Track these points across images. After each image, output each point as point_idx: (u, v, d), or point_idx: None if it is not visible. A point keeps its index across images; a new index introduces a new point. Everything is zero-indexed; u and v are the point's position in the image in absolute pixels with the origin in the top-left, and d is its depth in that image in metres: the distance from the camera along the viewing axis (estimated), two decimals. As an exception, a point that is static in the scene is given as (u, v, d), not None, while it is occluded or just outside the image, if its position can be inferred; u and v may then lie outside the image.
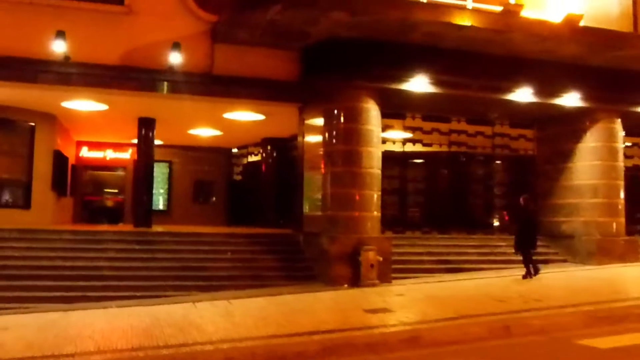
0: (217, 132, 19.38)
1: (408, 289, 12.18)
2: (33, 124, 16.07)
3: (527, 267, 13.07)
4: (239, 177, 23.46)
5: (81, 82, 13.12)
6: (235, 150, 23.46)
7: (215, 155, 23.46)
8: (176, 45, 12.95)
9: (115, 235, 13.78)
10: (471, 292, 11.53)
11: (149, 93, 13.78)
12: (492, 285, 12.44)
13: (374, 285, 12.46)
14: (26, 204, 15.83)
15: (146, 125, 17.00)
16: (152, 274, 12.36)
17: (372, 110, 13.65)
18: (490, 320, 8.58)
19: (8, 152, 15.92)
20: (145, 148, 16.99)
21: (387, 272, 13.18)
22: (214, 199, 23.67)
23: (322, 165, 13.88)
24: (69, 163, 19.65)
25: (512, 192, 17.47)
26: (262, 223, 20.03)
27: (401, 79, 13.79)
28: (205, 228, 17.05)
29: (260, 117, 16.38)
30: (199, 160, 23.40)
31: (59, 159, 17.15)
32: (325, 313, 9.88)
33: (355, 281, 12.62)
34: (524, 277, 12.98)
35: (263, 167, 20.81)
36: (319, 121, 14.20)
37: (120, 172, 22.99)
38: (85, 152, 22.22)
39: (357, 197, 13.33)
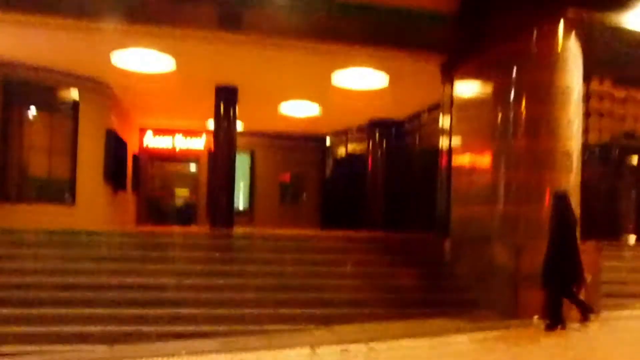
0: (314, 109, 15.03)
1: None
2: (76, 91, 12.21)
3: (550, 311, 7.47)
4: (335, 170, 19.03)
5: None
6: (331, 138, 19.07)
7: (306, 143, 19.17)
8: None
9: (186, 240, 9.59)
10: None
11: (234, 35, 9.60)
12: None
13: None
14: (69, 199, 11.99)
15: (226, 97, 12.94)
16: (240, 297, 8.12)
17: (573, 59, 8.87)
18: None
19: (43, 129, 12.10)
20: (224, 132, 12.90)
21: (596, 298, 8.42)
22: (304, 196, 19.36)
23: (489, 141, 9.21)
24: (130, 151, 15.81)
25: None
26: (367, 225, 15.62)
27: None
28: (304, 231, 12.72)
29: (380, 81, 11.91)
30: (286, 150, 19.16)
31: (115, 143, 13.26)
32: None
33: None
34: (549, 327, 7.42)
35: (369, 157, 16.32)
36: (482, 77, 9.56)
37: (193, 164, 19.07)
38: (150, 140, 18.44)
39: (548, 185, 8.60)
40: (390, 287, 8.89)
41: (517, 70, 8.83)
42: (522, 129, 8.73)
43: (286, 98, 14.18)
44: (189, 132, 18.52)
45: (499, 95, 9.01)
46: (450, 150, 10.47)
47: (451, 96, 10.62)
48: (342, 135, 18.44)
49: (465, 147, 9.92)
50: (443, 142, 10.88)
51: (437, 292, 8.89)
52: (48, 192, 11.88)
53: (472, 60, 9.82)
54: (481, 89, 9.53)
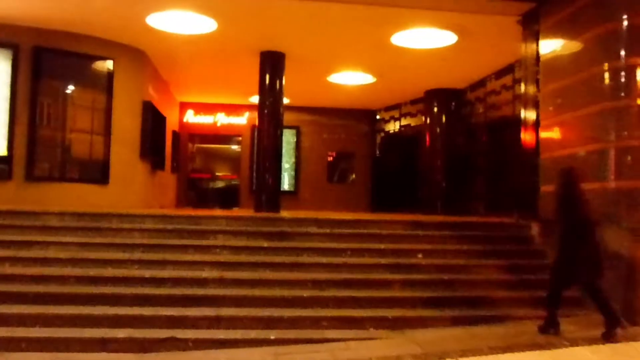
0: (366, 79, 13.54)
1: None
2: (110, 59, 11.04)
3: (550, 313, 6.17)
4: (386, 147, 17.49)
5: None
6: (381, 112, 17.51)
7: (355, 119, 17.69)
8: None
9: (230, 225, 8.28)
10: None
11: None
12: None
13: None
14: (102, 178, 10.85)
15: (272, 65, 11.58)
16: (297, 295, 6.75)
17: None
18: None
19: (73, 100, 10.97)
20: (270, 105, 11.54)
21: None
22: (353, 176, 17.90)
23: (592, 103, 7.52)
24: (169, 127, 14.63)
25: None
26: (425, 207, 14.17)
27: None
28: (364, 215, 11.36)
29: (446, 42, 10.33)
30: (334, 127, 17.71)
31: (152, 116, 12.05)
32: None
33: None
34: (544, 329, 6.18)
35: (426, 132, 14.72)
36: (580, 25, 7.83)
37: (235, 142, 17.83)
38: (190, 117, 17.24)
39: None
40: (471, 282, 7.40)
41: (627, 13, 7.14)
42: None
43: (337, 67, 12.72)
44: (231, 108, 17.27)
45: (605, 46, 7.33)
46: (537, 120, 8.82)
47: (536, 54, 8.95)
48: (394, 109, 16.88)
49: (558, 114, 8.25)
50: (526, 111, 9.24)
51: (528, 288, 7.35)
52: (78, 170, 10.78)
53: (565, 5, 8.12)
54: (579, 41, 7.81)
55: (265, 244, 7.78)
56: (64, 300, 6.34)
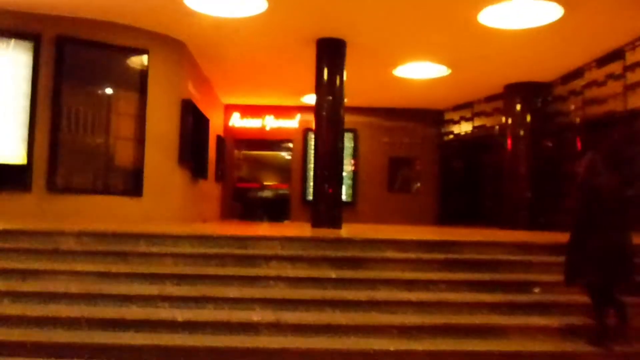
0: (439, 72, 11.67)
1: None
2: (144, 51, 9.53)
3: (598, 317, 5.07)
4: (457, 152, 15.51)
5: None
6: (449, 112, 15.55)
7: (419, 120, 15.79)
8: None
9: (285, 248, 6.51)
10: None
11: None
12: None
13: None
14: (135, 188, 9.32)
15: (331, 55, 9.88)
16: (380, 348, 4.94)
17: None
18: None
19: (103, 99, 9.48)
20: (329, 104, 9.78)
21: None
22: (417, 185, 15.97)
23: None
24: (212, 130, 13.08)
25: None
26: (506, 223, 12.19)
27: None
28: (448, 233, 9.54)
29: (550, 15, 8.38)
30: (395, 129, 15.83)
31: (193, 116, 10.48)
32: None
33: None
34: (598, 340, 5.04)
35: (507, 134, 12.71)
36: None
37: (286, 148, 16.18)
38: (236, 121, 15.69)
39: None
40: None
41: None
42: None
43: (406, 57, 10.91)
44: (281, 111, 15.64)
45: None
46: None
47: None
48: (465, 108, 14.91)
49: None
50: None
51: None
52: (107, 180, 9.28)
53: None
54: None
55: (333, 274, 6.00)
56: (70, 354, 4.71)
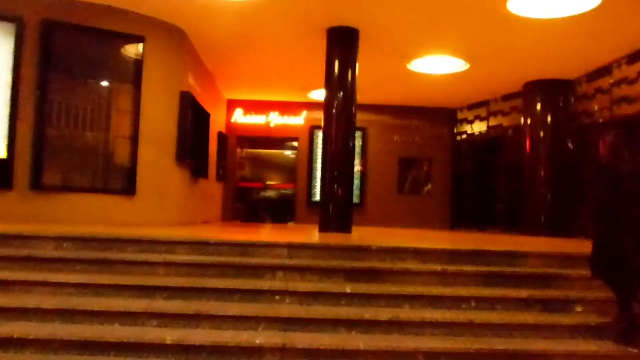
0: (457, 67, 10.90)
1: None
2: (140, 38, 8.77)
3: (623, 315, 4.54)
4: (471, 153, 14.73)
5: None
6: (463, 111, 14.78)
7: (431, 119, 15.03)
8: None
9: (293, 256, 5.73)
10: None
11: None
12: None
13: None
14: (128, 187, 8.55)
15: (343, 46, 9.18)
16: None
17: None
18: None
19: (92, 88, 8.72)
20: (339, 100, 9.04)
21: None
22: (428, 187, 15.18)
23: None
24: (213, 126, 12.31)
25: None
26: (524, 227, 11.47)
27: None
28: (476, 242, 8.79)
29: (587, 3, 7.62)
30: (406, 128, 15.06)
31: (192, 110, 9.71)
32: None
33: None
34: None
35: (526, 135, 11.95)
36: None
37: (291, 146, 15.42)
38: (239, 117, 14.93)
39: None
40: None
41: None
42: None
43: (423, 49, 10.15)
44: (286, 107, 14.89)
45: None
46: None
47: None
48: (480, 107, 14.14)
49: None
50: None
51: None
52: (97, 178, 8.51)
53: None
54: None
55: (348, 288, 5.21)
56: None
